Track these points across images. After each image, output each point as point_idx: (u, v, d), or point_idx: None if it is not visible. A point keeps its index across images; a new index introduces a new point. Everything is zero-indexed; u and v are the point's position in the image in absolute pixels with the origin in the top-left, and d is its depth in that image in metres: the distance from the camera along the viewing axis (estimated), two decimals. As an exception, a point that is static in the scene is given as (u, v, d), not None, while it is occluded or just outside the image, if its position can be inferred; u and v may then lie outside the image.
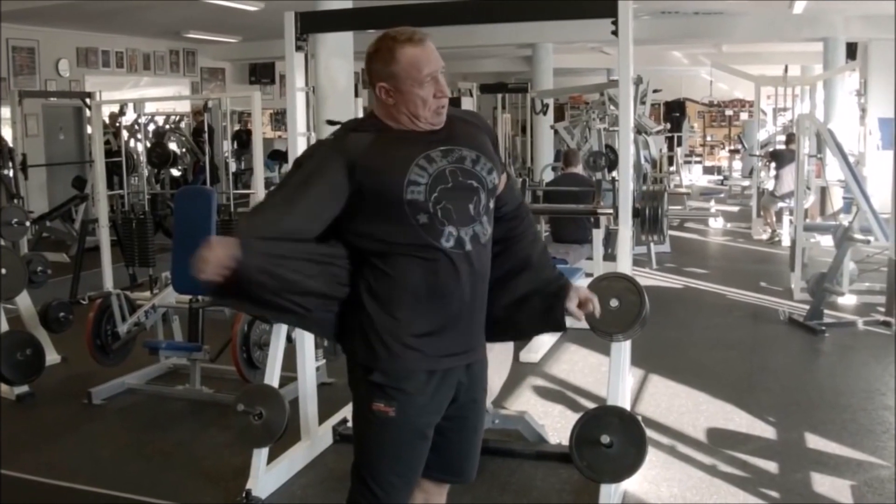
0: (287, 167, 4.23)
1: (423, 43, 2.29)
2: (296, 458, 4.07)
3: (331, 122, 4.92)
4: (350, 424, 4.43)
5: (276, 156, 15.28)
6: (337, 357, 5.11)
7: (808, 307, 6.68)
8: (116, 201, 9.31)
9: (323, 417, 4.34)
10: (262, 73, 17.07)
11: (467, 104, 10.03)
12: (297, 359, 4.16)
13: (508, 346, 4.31)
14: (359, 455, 2.43)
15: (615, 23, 3.56)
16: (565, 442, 3.66)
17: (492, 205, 2.41)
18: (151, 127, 12.39)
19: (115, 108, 11.42)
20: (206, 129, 12.01)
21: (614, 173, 9.23)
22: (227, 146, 10.70)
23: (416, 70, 2.27)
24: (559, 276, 2.53)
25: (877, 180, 10.25)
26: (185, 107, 15.19)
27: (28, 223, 6.69)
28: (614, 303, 3.38)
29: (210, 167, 9.68)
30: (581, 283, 6.18)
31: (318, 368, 4.53)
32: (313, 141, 4.05)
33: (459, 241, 2.30)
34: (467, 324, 2.38)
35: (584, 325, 3.51)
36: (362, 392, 2.37)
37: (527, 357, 5.75)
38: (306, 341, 4.15)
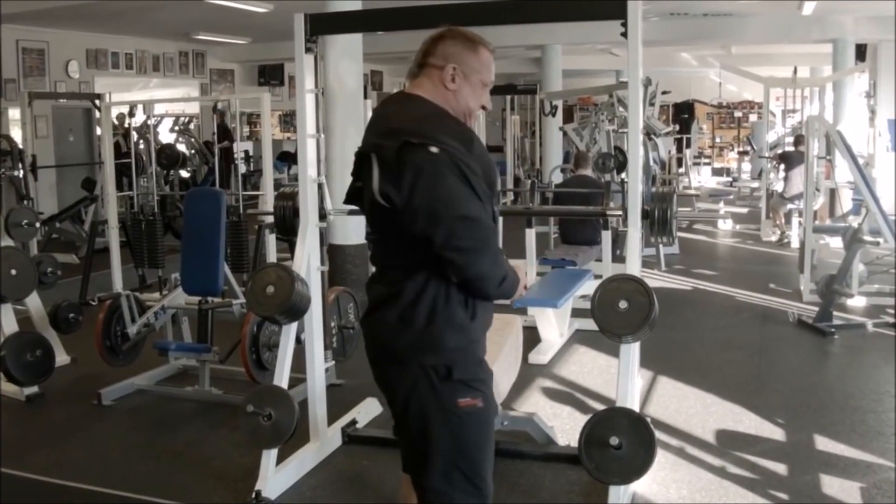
0: (296, 169, 4.23)
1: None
2: (305, 459, 4.08)
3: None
4: (359, 426, 4.47)
5: (284, 157, 15.32)
6: (346, 358, 5.12)
7: (817, 309, 6.67)
8: (126, 202, 9.33)
9: (332, 419, 4.35)
10: (271, 75, 17.09)
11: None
12: (307, 360, 4.16)
13: (518, 348, 4.31)
14: (451, 457, 2.34)
15: (625, 24, 3.56)
16: (574, 443, 3.66)
17: None
18: (162, 126, 12.40)
19: (125, 110, 11.45)
20: (217, 130, 12.02)
21: (623, 175, 9.23)
22: (238, 147, 10.69)
23: (487, 72, 2.41)
24: None
25: (886, 182, 10.20)
26: (194, 108, 15.22)
27: (38, 224, 6.72)
28: (623, 304, 3.37)
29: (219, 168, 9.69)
30: (590, 284, 6.19)
31: (327, 370, 4.53)
32: (322, 142, 4.04)
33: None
34: None
35: (593, 326, 3.53)
36: (442, 392, 2.31)
37: (536, 359, 5.76)
38: (315, 343, 4.16)
